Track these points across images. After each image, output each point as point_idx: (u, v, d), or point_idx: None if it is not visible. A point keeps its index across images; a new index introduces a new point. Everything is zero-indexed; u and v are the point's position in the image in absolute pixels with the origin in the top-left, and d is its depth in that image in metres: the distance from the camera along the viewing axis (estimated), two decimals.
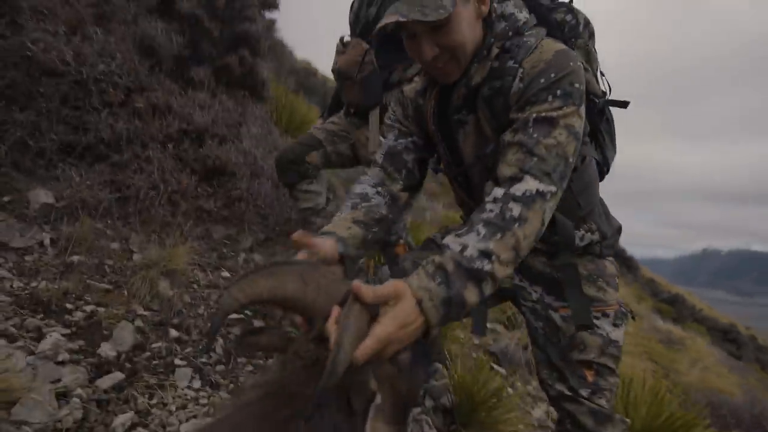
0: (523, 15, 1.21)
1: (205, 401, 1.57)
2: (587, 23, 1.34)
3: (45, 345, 1.39)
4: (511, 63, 1.16)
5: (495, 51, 1.18)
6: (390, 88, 2.08)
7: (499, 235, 0.92)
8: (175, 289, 2.08)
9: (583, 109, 1.11)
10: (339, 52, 2.13)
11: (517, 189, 0.99)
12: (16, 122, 1.97)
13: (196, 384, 1.64)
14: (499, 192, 1.00)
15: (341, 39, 2.16)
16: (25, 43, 1.92)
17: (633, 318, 1.44)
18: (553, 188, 1.01)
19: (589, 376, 1.37)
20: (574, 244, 1.36)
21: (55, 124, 2.15)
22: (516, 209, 0.96)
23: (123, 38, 2.70)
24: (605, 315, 1.38)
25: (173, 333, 1.84)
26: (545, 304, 1.44)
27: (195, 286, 2.24)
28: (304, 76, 8.67)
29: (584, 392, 1.36)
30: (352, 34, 2.19)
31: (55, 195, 2.08)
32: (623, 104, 1.40)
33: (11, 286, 1.65)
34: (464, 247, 0.90)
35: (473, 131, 1.28)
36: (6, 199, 1.92)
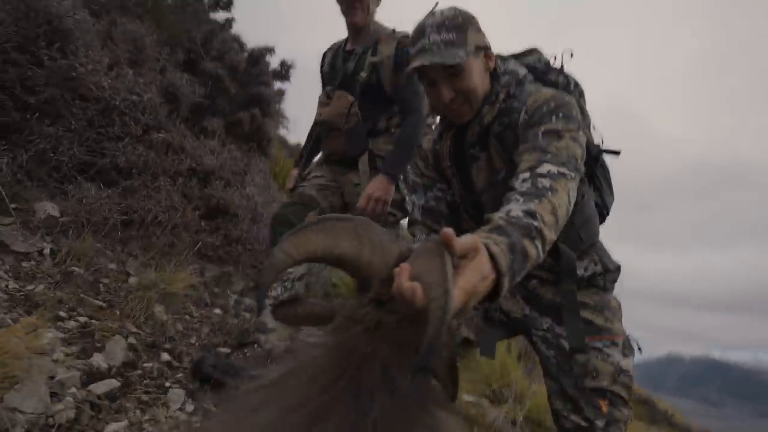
0: (523, 70, 1.45)
1: (198, 425, 1.44)
2: (577, 84, 1.57)
3: (43, 340, 1.30)
4: (516, 104, 1.36)
5: (502, 96, 1.38)
6: (377, 135, 2.14)
7: (537, 201, 0.99)
8: (170, 315, 1.99)
9: (582, 134, 1.27)
10: (323, 104, 2.16)
11: (541, 170, 1.09)
12: (43, 134, 2.02)
13: (189, 407, 1.51)
14: (525, 174, 1.10)
15: (325, 91, 2.18)
16: (74, 65, 2.06)
17: (640, 350, 1.49)
18: (571, 173, 1.11)
19: (604, 406, 1.37)
20: (576, 272, 1.44)
21: (76, 144, 2.21)
22: (546, 182, 1.06)
23: (151, 82, 2.90)
24: (614, 344, 1.42)
25: (165, 356, 1.73)
26: (555, 333, 1.48)
27: (188, 317, 2.15)
28: (295, 150, 9.13)
29: (600, 423, 1.35)
30: (325, 85, 2.24)
31: (60, 209, 2.06)
32: (616, 152, 1.60)
33: (6, 287, 1.56)
34: (509, 211, 0.95)
35: (485, 166, 1.44)
36: (14, 206, 1.89)
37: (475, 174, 1.47)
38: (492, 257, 0.79)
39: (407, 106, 2.06)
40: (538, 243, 0.92)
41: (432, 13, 1.34)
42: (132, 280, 2.08)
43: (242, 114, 3.71)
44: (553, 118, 1.24)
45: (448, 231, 0.72)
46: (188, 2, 4.13)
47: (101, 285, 1.93)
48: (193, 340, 1.97)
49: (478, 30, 1.33)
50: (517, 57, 1.57)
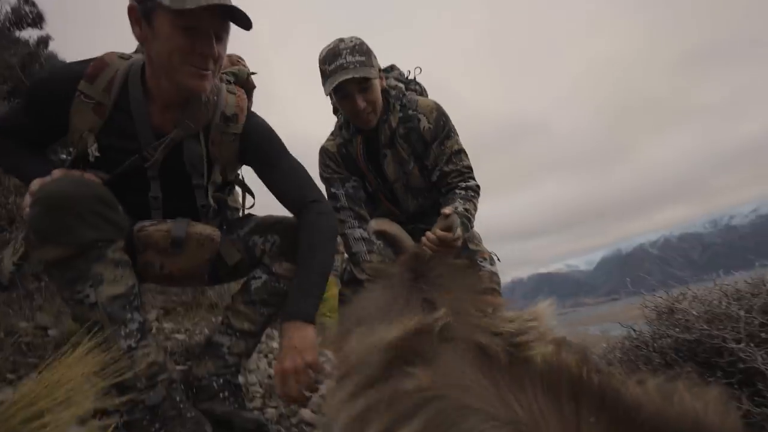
0: (401, 84, 2.02)
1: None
2: (425, 88, 2.23)
3: None
4: (411, 111, 1.93)
5: (397, 106, 1.89)
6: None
7: (469, 202, 1.75)
8: None
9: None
10: (163, 252, 1.33)
11: (469, 184, 1.85)
12: None
13: None
14: (462, 184, 1.85)
15: (168, 233, 1.32)
16: None
17: (498, 260, 2.17)
18: (477, 181, 1.90)
19: None
20: None
21: None
22: (471, 192, 1.81)
23: None
24: (485, 258, 2.07)
25: None
26: None
27: None
28: None
29: None
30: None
31: None
32: None
33: None
34: (456, 207, 1.67)
35: (392, 160, 1.96)
36: None
37: (386, 167, 1.95)
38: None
39: (300, 201, 1.41)
40: (471, 223, 1.71)
41: (341, 39, 1.76)
42: (52, 332, 1.94)
43: None
44: (452, 134, 1.91)
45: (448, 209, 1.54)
46: None
47: (23, 345, 1.79)
48: None
49: (375, 57, 1.78)
50: (384, 71, 2.06)
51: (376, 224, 1.37)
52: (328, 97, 1.85)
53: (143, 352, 1.18)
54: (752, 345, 0.95)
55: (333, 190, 2.01)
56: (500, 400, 0.73)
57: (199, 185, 1.40)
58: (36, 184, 1.12)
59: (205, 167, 1.40)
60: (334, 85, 1.68)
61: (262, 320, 1.46)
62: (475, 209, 1.81)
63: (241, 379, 1.54)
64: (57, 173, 1.18)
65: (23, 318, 1.95)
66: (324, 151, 2.03)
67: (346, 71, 1.67)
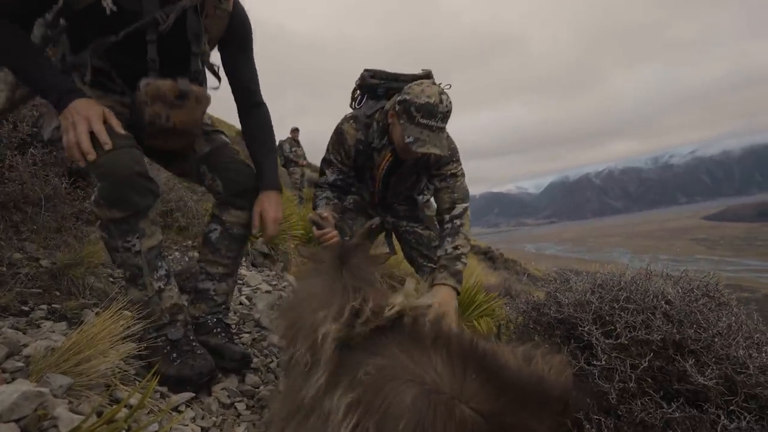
0: None
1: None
2: None
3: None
4: None
5: None
6: None
7: (456, 238, 1.99)
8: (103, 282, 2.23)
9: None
10: (169, 104, 1.48)
11: (455, 210, 2.07)
12: None
13: None
14: (447, 217, 2.06)
15: (174, 86, 1.48)
16: None
17: None
18: (468, 203, 2.12)
19: None
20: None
21: None
22: (458, 221, 2.03)
23: None
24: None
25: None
26: (412, 227, 2.45)
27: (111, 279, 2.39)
28: None
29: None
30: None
31: None
32: None
33: None
34: (446, 250, 1.95)
35: (399, 175, 2.25)
36: None
37: (392, 178, 2.25)
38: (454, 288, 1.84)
39: (255, 97, 1.75)
40: (465, 259, 1.96)
41: (443, 94, 1.87)
42: (44, 262, 2.17)
43: None
44: (453, 162, 2.13)
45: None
46: None
47: (21, 275, 2.02)
48: None
49: None
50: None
51: (316, 214, 1.87)
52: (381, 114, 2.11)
53: (168, 294, 1.49)
54: (596, 326, 1.43)
55: (327, 171, 2.23)
56: (414, 369, 1.16)
57: (195, 53, 1.57)
58: (92, 156, 1.29)
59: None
60: (421, 151, 1.87)
61: (231, 260, 1.76)
62: (466, 238, 2.01)
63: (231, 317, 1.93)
64: (95, 121, 1.30)
65: (14, 249, 2.14)
66: (342, 136, 2.14)
67: (434, 140, 1.87)
